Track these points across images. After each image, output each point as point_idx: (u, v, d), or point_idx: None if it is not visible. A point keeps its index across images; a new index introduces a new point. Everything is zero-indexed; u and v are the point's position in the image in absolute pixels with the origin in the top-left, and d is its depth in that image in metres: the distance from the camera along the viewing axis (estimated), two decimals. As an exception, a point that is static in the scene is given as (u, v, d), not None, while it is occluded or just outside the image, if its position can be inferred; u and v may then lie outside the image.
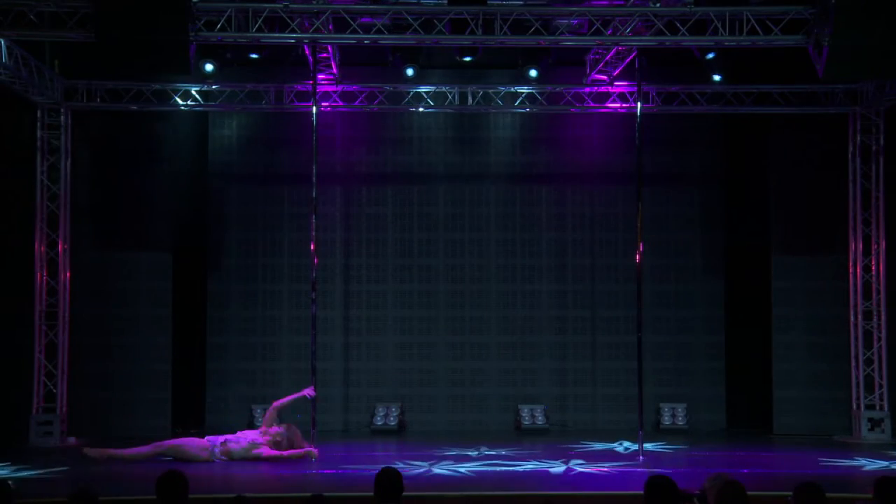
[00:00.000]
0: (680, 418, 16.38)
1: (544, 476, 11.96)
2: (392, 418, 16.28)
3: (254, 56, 14.37)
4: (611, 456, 13.48)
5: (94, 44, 11.90)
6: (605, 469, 12.27)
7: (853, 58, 12.03)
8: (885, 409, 15.39)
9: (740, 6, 12.59)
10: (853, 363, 15.58)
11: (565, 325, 16.87)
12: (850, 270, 15.72)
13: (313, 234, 13.56)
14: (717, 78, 15.08)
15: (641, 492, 5.68)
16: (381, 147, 16.96)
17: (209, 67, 14.51)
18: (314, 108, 13.58)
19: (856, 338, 15.58)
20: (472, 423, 16.60)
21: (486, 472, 12.26)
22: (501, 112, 16.31)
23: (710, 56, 14.52)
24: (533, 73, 15.17)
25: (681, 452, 14.01)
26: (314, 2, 12.54)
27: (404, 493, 6.10)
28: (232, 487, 11.14)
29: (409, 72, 15.17)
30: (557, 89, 15.83)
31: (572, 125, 16.90)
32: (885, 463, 12.79)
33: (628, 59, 14.24)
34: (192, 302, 16.47)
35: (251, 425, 16.14)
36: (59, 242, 15.28)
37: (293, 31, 12.59)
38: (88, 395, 15.47)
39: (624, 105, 15.77)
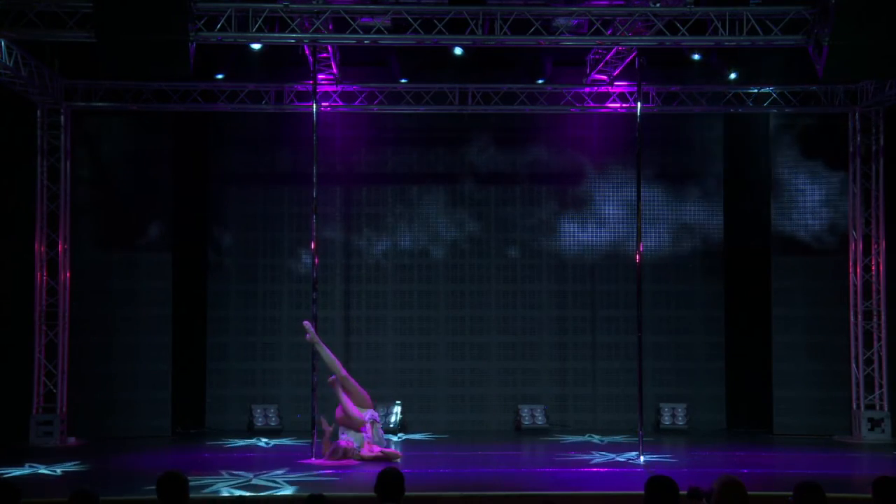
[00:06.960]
0: (680, 418, 16.38)
1: (544, 476, 11.95)
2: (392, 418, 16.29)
3: (254, 46, 14.23)
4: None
5: (94, 44, 11.89)
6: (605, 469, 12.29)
7: (853, 58, 12.00)
8: (885, 409, 15.39)
9: (740, 6, 12.57)
10: (853, 363, 15.58)
11: (565, 325, 16.87)
12: (850, 270, 15.71)
13: (314, 234, 13.57)
14: (733, 76, 15.04)
15: (641, 492, 5.67)
16: (381, 147, 16.96)
17: (220, 77, 15.44)
18: (314, 108, 13.57)
19: (856, 338, 15.57)
20: (472, 423, 16.59)
21: (487, 472, 12.24)
22: (502, 112, 16.28)
23: (696, 57, 14.56)
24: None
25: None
26: (314, 2, 12.52)
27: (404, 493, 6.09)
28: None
29: (404, 81, 15.48)
30: (557, 89, 15.83)
31: (572, 125, 16.89)
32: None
33: (628, 59, 14.24)
34: (192, 302, 16.46)
35: (251, 425, 16.19)
36: (59, 242, 15.26)
37: (293, 31, 12.57)
38: (88, 395, 15.46)
39: (624, 105, 15.76)
